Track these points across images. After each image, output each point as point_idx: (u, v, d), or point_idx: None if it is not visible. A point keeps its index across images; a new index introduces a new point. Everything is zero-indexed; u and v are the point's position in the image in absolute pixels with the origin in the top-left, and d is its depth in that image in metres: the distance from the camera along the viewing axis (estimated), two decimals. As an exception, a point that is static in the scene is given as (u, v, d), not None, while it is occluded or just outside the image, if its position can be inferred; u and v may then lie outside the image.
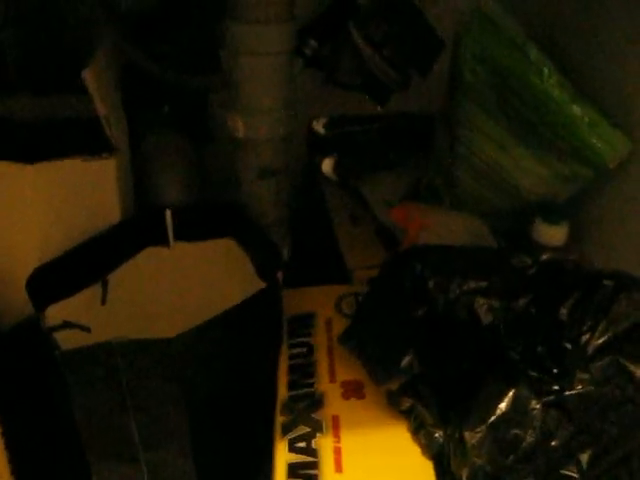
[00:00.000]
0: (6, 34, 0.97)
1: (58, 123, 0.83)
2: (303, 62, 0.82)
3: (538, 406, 0.61)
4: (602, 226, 0.88)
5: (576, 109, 0.79)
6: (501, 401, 0.61)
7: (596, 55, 0.87)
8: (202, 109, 1.02)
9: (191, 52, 1.04)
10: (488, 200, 0.90)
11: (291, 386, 0.73)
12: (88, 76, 0.74)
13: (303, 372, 0.75)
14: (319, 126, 1.17)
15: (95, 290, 0.79)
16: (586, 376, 0.62)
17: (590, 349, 0.63)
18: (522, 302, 0.68)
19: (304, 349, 0.78)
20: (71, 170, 0.77)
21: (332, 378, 0.74)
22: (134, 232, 0.83)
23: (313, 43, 0.82)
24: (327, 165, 1.10)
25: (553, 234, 0.85)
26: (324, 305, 0.83)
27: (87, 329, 0.73)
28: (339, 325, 0.79)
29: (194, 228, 0.83)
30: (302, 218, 1.06)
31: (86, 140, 0.79)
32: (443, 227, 0.85)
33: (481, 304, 0.68)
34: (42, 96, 0.91)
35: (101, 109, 0.76)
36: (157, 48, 1.05)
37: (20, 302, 0.76)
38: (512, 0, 1.08)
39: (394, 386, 0.67)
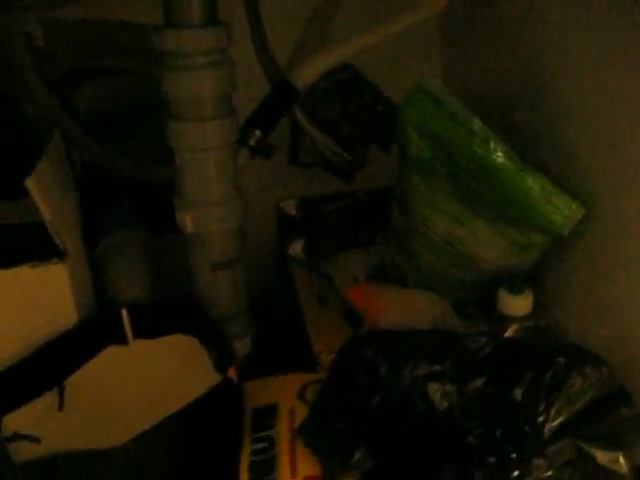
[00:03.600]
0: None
1: (8, 229, 0.83)
2: (249, 153, 0.82)
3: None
4: (567, 290, 0.87)
5: (525, 178, 0.78)
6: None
7: (541, 122, 0.87)
8: (162, 201, 1.03)
9: (149, 146, 1.05)
10: (450, 274, 0.89)
11: (251, 484, 0.71)
12: (31, 184, 0.75)
13: (264, 468, 0.73)
14: (289, 207, 1.17)
15: (52, 396, 0.78)
16: (543, 461, 0.60)
17: (546, 431, 0.61)
18: (477, 384, 0.66)
19: (266, 443, 0.76)
20: (21, 278, 0.77)
21: (293, 473, 0.72)
22: (92, 333, 0.82)
23: (257, 133, 0.82)
24: (296, 247, 1.09)
25: (518, 304, 0.83)
26: (288, 395, 0.81)
27: (37, 440, 0.72)
28: (302, 415, 0.77)
29: (152, 325, 0.83)
30: (271, 302, 1.05)
31: (35, 246, 0.79)
32: (402, 307, 0.84)
33: (435, 389, 0.66)
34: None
35: (46, 215, 0.76)
36: (116, 144, 1.06)
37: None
38: (454, 75, 1.12)
39: (348, 482, 0.65)
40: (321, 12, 1.02)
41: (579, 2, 0.78)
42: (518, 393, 0.64)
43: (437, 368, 0.67)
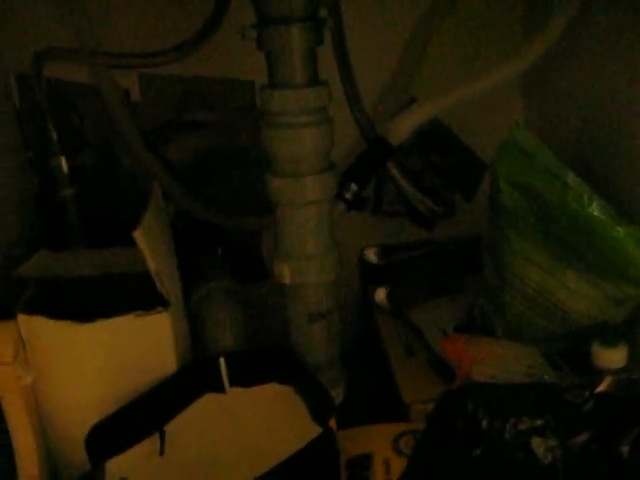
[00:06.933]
0: (66, 192, 1.03)
1: (113, 278, 0.87)
2: (345, 206, 0.85)
3: None
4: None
5: (620, 231, 0.78)
6: None
7: (629, 169, 0.87)
8: (254, 249, 1.06)
9: (241, 194, 1.09)
10: (540, 325, 0.89)
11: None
12: (138, 235, 0.78)
13: (363, 519, 0.74)
14: (371, 255, 1.18)
15: (153, 441, 0.80)
16: (653, 519, 0.60)
17: (656, 489, 0.61)
18: (581, 439, 0.66)
19: (363, 494, 0.77)
20: (126, 326, 0.80)
21: (392, 525, 0.72)
22: (190, 380, 0.84)
23: (354, 187, 0.84)
24: (380, 294, 1.11)
25: (612, 357, 0.83)
26: (381, 445, 0.82)
27: (141, 485, 0.74)
28: (398, 466, 0.77)
29: (249, 373, 0.84)
30: (358, 350, 1.07)
31: (140, 295, 0.81)
32: (496, 359, 0.84)
33: (538, 443, 0.66)
34: (98, 250, 0.96)
35: (152, 265, 0.79)
36: (208, 193, 1.10)
37: (81, 456, 0.78)
38: (536, 122, 1.12)
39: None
40: (406, 65, 1.05)
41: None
42: (624, 450, 0.63)
43: (540, 422, 0.67)
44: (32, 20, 1.01)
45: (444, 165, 1.11)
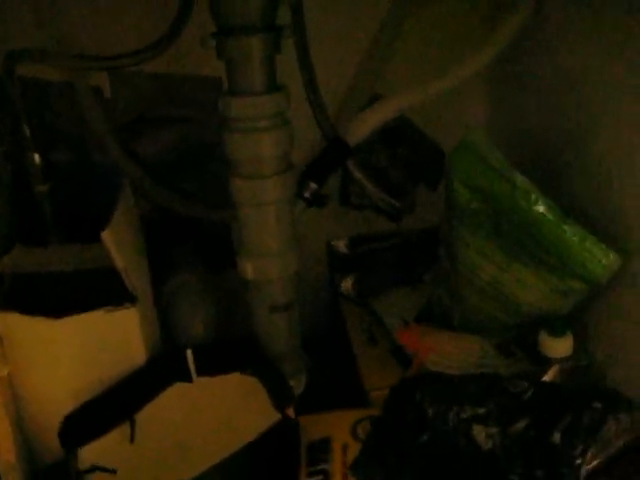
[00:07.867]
0: (40, 188, 1.06)
1: (85, 274, 0.90)
2: (304, 204, 0.88)
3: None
4: (608, 333, 0.90)
5: (565, 229, 0.83)
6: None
7: (583, 171, 0.91)
8: (226, 238, 1.09)
9: (207, 188, 1.12)
10: (494, 316, 0.93)
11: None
12: (106, 236, 0.81)
13: (320, 501, 0.79)
14: (340, 245, 1.22)
15: (124, 430, 0.84)
16: (580, 501, 0.65)
17: (583, 473, 0.66)
18: (519, 426, 0.71)
19: (321, 476, 0.81)
20: (96, 321, 0.83)
21: (347, 506, 0.77)
22: (159, 371, 0.88)
23: (312, 186, 0.88)
24: (347, 284, 1.15)
25: (558, 346, 0.87)
26: (340, 430, 0.87)
27: (113, 471, 0.78)
28: (354, 451, 0.82)
29: (214, 364, 0.88)
30: (325, 338, 1.11)
31: (110, 290, 0.85)
32: (449, 350, 0.88)
33: (479, 431, 0.71)
34: (71, 245, 0.99)
35: (120, 263, 0.83)
36: (177, 187, 1.12)
37: (55, 445, 0.82)
38: (497, 121, 1.15)
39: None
40: (370, 64, 1.07)
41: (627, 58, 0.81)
42: (557, 436, 0.68)
43: (482, 411, 0.72)
44: (4, 20, 1.03)
45: (409, 157, 1.14)
